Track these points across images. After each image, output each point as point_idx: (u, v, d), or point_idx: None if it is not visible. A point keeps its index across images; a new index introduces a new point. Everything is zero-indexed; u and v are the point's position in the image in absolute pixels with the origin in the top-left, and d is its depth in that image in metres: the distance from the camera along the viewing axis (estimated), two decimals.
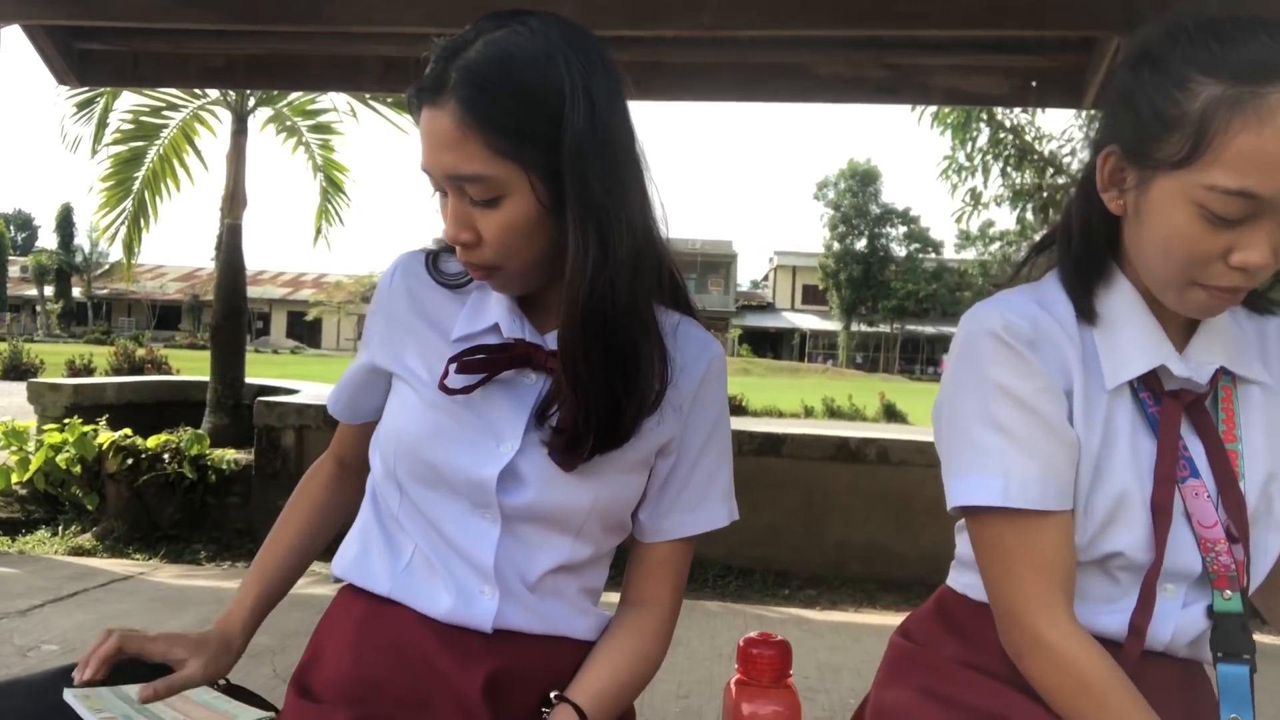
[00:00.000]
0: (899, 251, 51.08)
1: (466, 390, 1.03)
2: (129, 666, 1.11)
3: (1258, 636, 0.98)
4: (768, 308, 58.59)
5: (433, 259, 1.12)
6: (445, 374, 1.03)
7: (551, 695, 1.04)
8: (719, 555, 4.81)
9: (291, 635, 3.21)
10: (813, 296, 56.09)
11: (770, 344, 53.66)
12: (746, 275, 68.62)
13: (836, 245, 51.01)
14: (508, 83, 0.93)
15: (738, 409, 20.72)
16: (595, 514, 1.06)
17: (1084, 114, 9.85)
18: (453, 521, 1.05)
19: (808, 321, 55.71)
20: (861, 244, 50.99)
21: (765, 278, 65.16)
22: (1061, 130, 10.24)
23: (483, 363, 1.04)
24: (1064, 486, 0.95)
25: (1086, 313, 1.00)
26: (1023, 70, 4.45)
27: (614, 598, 1.15)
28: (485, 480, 1.02)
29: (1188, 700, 1.00)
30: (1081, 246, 1.01)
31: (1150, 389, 0.98)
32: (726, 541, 4.80)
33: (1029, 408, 0.95)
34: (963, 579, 1.09)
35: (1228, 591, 0.96)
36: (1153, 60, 0.92)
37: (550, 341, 1.05)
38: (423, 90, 0.97)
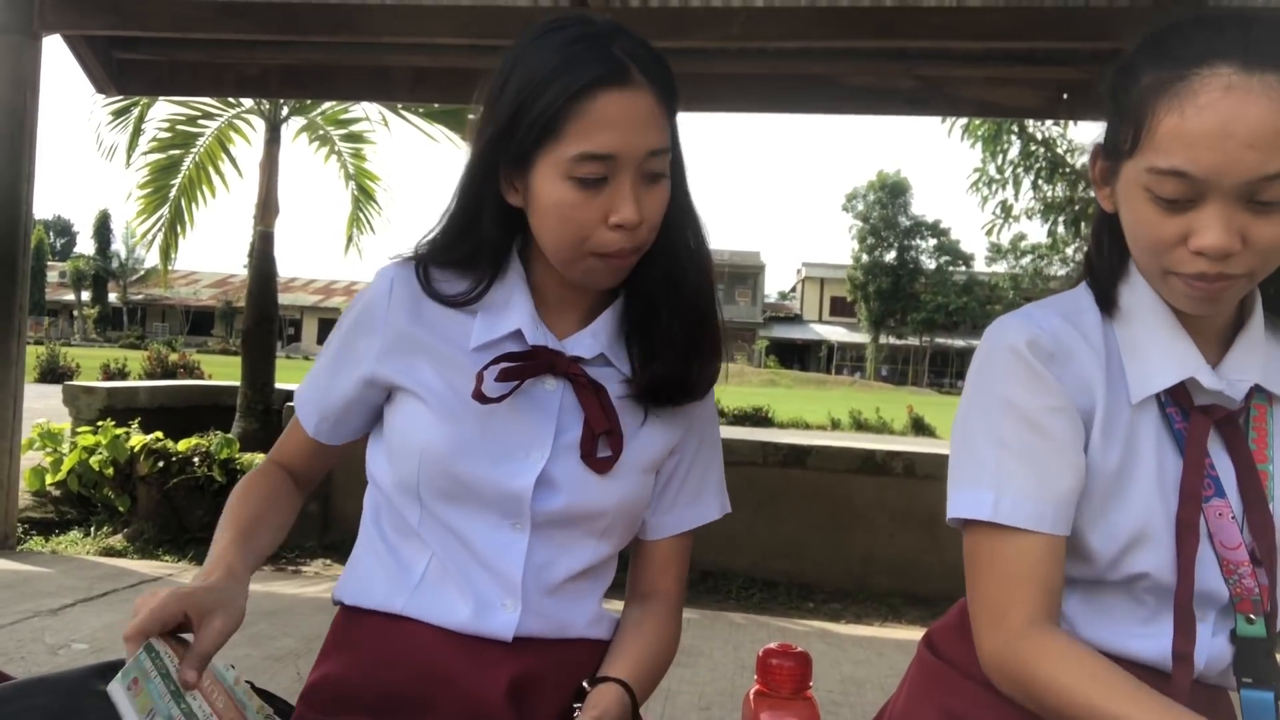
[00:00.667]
0: (929, 264, 50.73)
1: (500, 399, 1.02)
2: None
3: None
4: (795, 319, 58.37)
5: (424, 272, 1.06)
6: (480, 382, 1.01)
7: (584, 684, 1.05)
8: (743, 567, 4.79)
9: (315, 638, 3.23)
10: (841, 308, 55.83)
11: (797, 356, 53.45)
12: (774, 286, 68.54)
13: (865, 257, 50.74)
14: (668, 70, 1.01)
15: (763, 420, 20.64)
16: (620, 514, 1.09)
17: None
18: (479, 534, 1.04)
19: (835, 334, 55.42)
20: (890, 256, 50.69)
21: (793, 289, 64.98)
22: (1090, 143, 10.10)
23: (515, 370, 1.04)
24: (1061, 509, 0.94)
25: (1114, 316, 0.99)
26: (1053, 82, 4.43)
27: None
28: (520, 491, 1.03)
29: None
30: (1099, 251, 1.01)
31: (1178, 403, 0.97)
32: (750, 553, 4.78)
33: (1036, 426, 0.95)
34: None
35: (1252, 615, 0.94)
36: (1128, 62, 0.94)
37: (569, 346, 1.07)
38: (610, 75, 0.95)
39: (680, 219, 1.06)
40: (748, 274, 55.97)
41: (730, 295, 56.14)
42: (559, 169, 0.96)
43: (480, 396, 1.01)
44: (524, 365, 1.04)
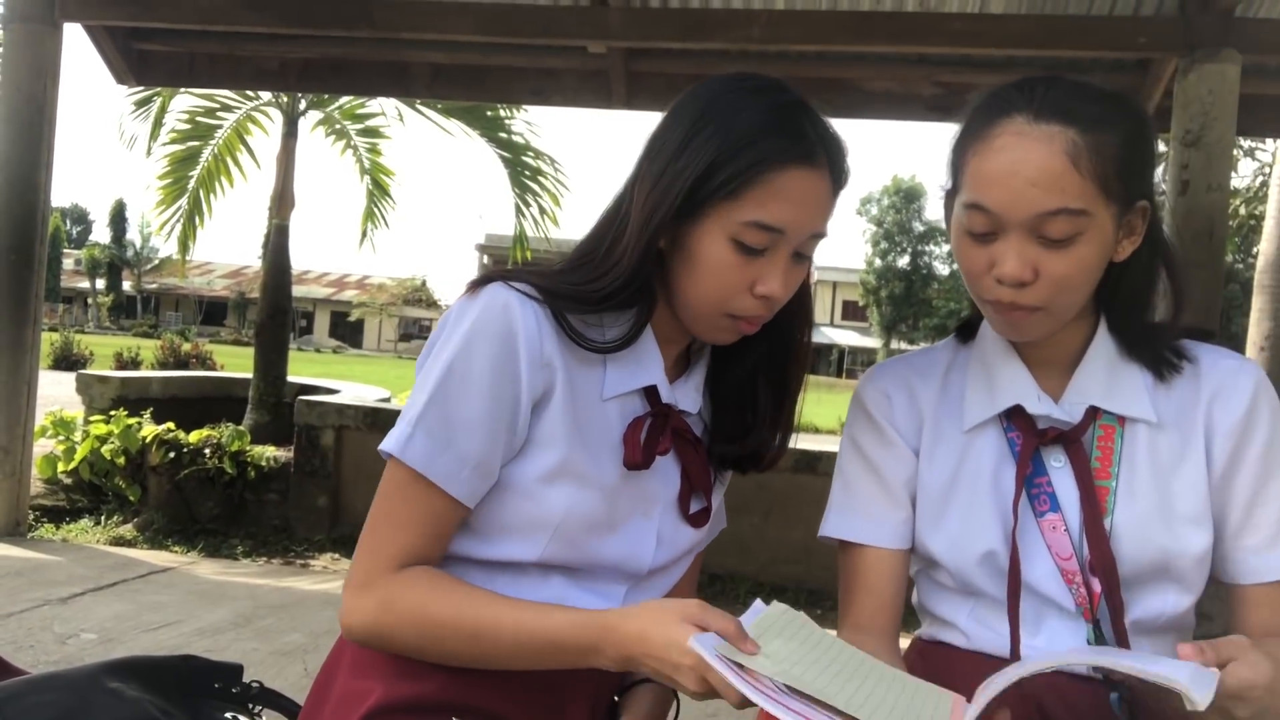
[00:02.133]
0: (942, 270, 50.53)
1: (648, 464, 1.01)
2: (158, 667, 1.12)
3: None
4: None
5: (559, 315, 0.97)
6: (636, 448, 0.99)
7: (621, 691, 1.10)
8: (751, 571, 4.77)
9: (323, 634, 3.24)
10: (853, 313, 55.70)
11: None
12: None
13: (878, 262, 50.59)
14: (845, 157, 1.04)
15: None
16: (693, 554, 1.14)
17: None
18: (578, 596, 1.03)
19: (847, 338, 55.31)
20: (904, 261, 50.52)
21: None
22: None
23: (653, 431, 1.02)
24: (879, 525, 1.12)
25: (972, 346, 1.15)
26: None
27: None
28: (639, 568, 1.05)
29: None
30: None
31: (1018, 427, 1.07)
32: (760, 558, 4.76)
33: (866, 458, 1.14)
34: (928, 629, 1.17)
35: (1090, 624, 1.03)
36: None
37: (681, 400, 1.07)
38: (803, 154, 0.96)
39: (801, 300, 1.08)
40: None
41: None
42: (727, 229, 0.95)
43: (635, 463, 1.00)
44: (658, 422, 1.03)
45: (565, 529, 0.98)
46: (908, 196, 51.24)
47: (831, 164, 0.98)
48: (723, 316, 0.99)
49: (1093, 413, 1.06)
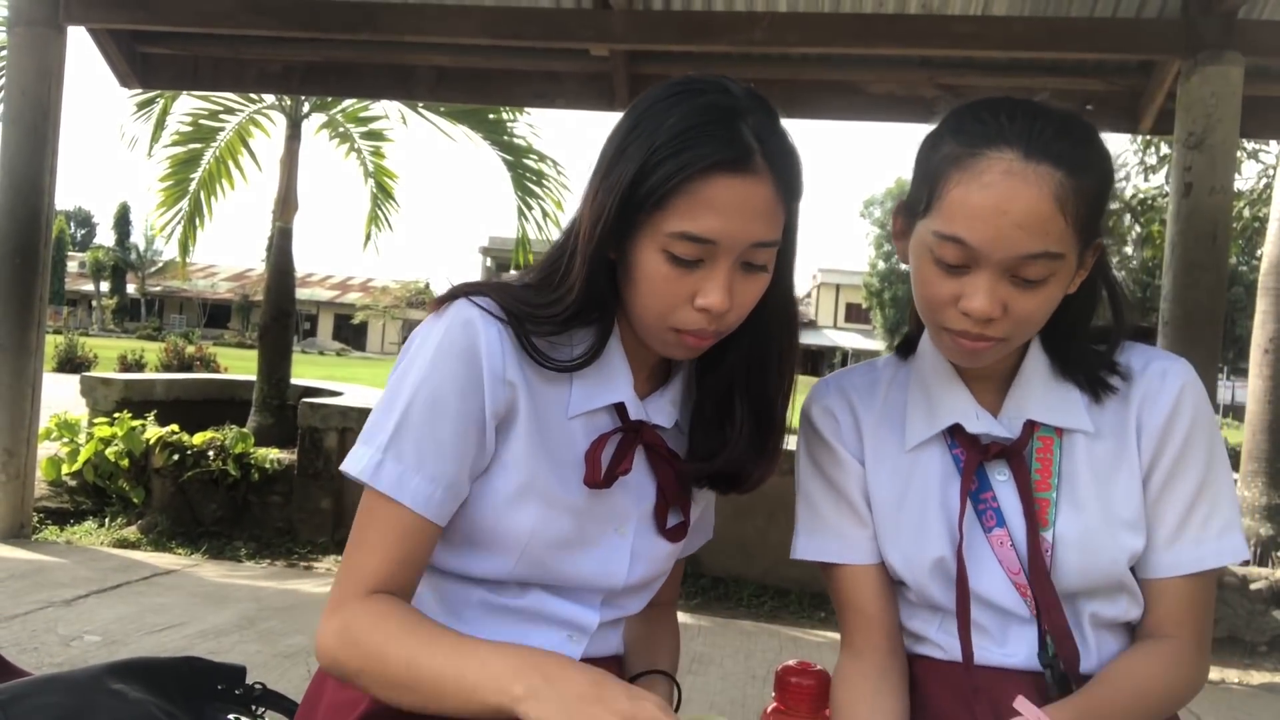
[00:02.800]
0: None
1: (612, 482, 0.99)
2: (161, 669, 1.12)
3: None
4: (810, 325, 58.25)
5: (521, 334, 0.96)
6: (597, 466, 0.97)
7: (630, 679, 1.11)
8: (755, 575, 4.77)
9: None
10: (856, 315, 55.67)
11: (811, 362, 53.31)
12: None
13: (882, 264, 50.53)
14: (795, 160, 0.99)
15: None
16: (673, 564, 1.14)
17: (1139, 139, 9.68)
18: (556, 608, 1.03)
19: (850, 340, 55.24)
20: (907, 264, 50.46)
21: (808, 295, 64.83)
22: (1118, 155, 10.03)
23: (621, 448, 1.00)
24: (848, 543, 1.11)
25: (912, 364, 1.14)
26: (1078, 93, 4.39)
27: None
28: (614, 585, 1.05)
29: None
30: (914, 309, 1.10)
31: (961, 443, 1.08)
32: (762, 561, 4.76)
33: (823, 476, 1.13)
34: (907, 644, 1.15)
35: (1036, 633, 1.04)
36: (933, 130, 1.02)
37: (654, 415, 1.04)
38: (731, 160, 0.91)
39: (774, 311, 1.02)
40: None
41: None
42: (657, 241, 0.91)
43: (596, 482, 0.97)
44: (627, 440, 1.01)
45: (532, 548, 0.98)
46: None
47: (774, 170, 0.92)
48: (668, 331, 0.96)
49: (1030, 426, 1.06)
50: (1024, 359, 1.08)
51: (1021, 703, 0.93)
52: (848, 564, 1.11)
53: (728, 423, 1.05)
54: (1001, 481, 1.06)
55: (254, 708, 1.21)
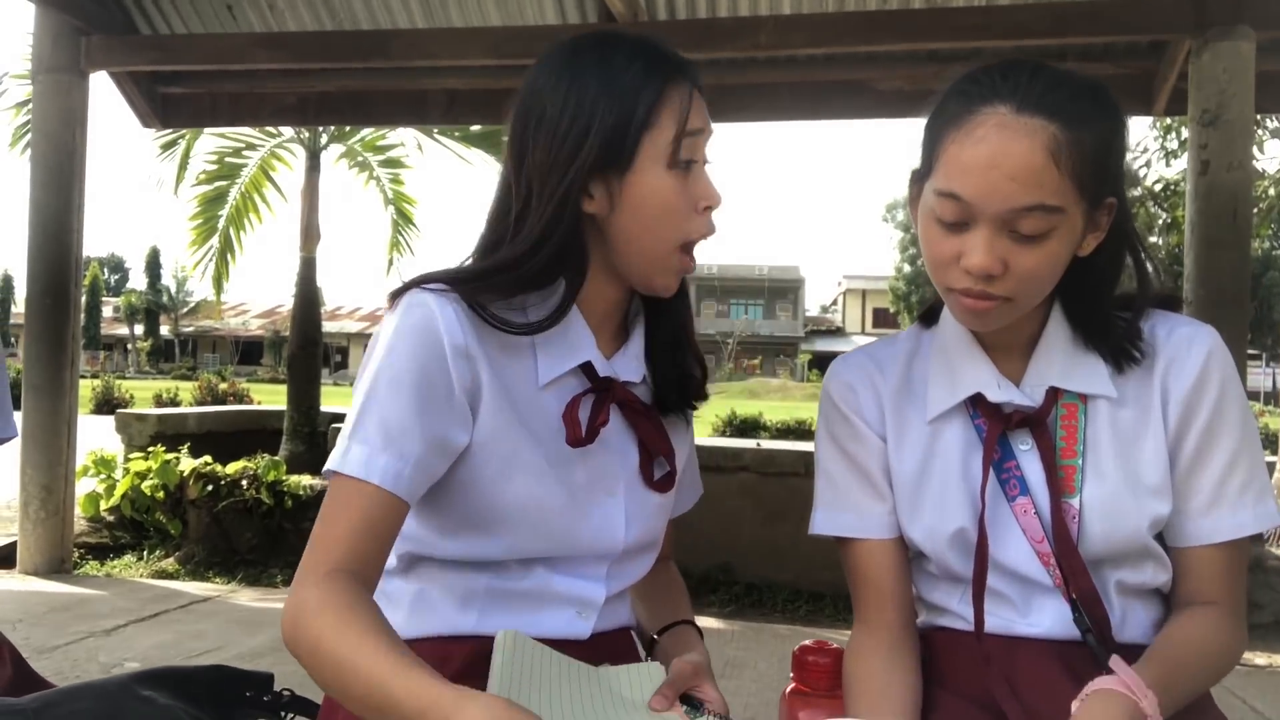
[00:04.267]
0: None
1: (593, 439, 1.01)
2: (189, 676, 1.14)
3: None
4: (837, 332, 57.92)
5: (476, 305, 0.97)
6: (575, 425, 0.99)
7: (654, 635, 1.14)
8: (788, 579, 4.74)
9: None
10: (884, 320, 55.29)
11: None
12: (815, 300, 68.12)
13: (907, 268, 50.18)
14: None
15: (807, 434, 20.46)
16: (667, 520, 1.16)
17: (1159, 125, 9.57)
18: (561, 578, 1.04)
19: None
20: None
21: (834, 302, 64.55)
22: (1137, 142, 9.92)
23: (598, 405, 1.03)
24: (866, 518, 1.12)
25: (934, 334, 1.15)
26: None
27: None
28: (614, 548, 1.06)
29: None
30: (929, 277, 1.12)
31: (983, 413, 1.08)
32: (795, 565, 4.73)
33: (843, 451, 1.14)
34: (926, 616, 1.17)
35: (1066, 603, 1.04)
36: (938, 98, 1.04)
37: (615, 370, 1.07)
38: (691, 69, 1.02)
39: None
40: (787, 288, 55.74)
41: (771, 310, 55.92)
42: (660, 158, 0.98)
43: (579, 439, 0.99)
44: (603, 398, 1.04)
45: (528, 521, 0.99)
46: None
47: (692, 76, 1.02)
48: (676, 253, 1.01)
49: (1054, 394, 1.06)
50: (1045, 326, 1.08)
51: (1116, 662, 0.93)
52: (864, 538, 1.12)
53: (681, 355, 1.11)
54: (1024, 450, 1.06)
55: (282, 714, 1.23)
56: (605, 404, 1.03)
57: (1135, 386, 1.06)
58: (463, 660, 0.99)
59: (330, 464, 0.93)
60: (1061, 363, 1.07)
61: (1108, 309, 1.07)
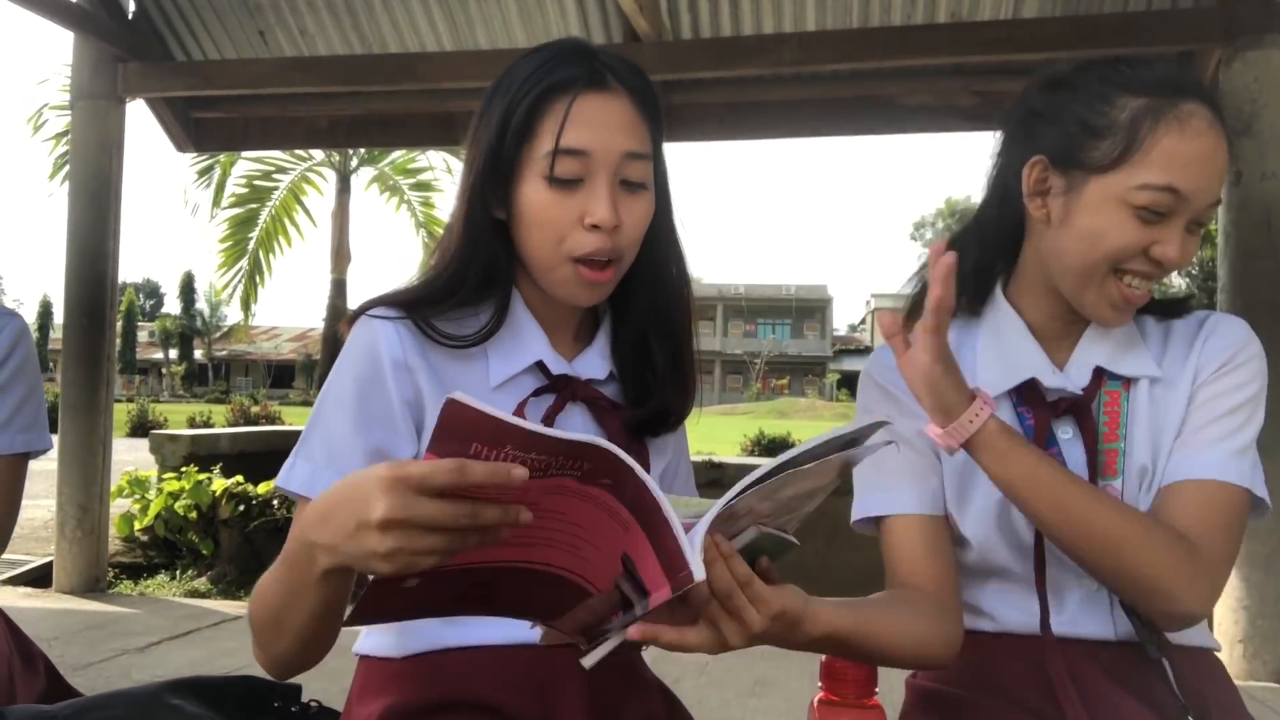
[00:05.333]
0: None
1: None
2: (218, 686, 1.15)
3: None
4: (866, 351, 57.58)
5: (421, 322, 0.99)
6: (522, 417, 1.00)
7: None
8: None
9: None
10: None
11: None
12: (843, 319, 67.87)
13: None
14: (649, 84, 1.04)
15: None
16: None
17: None
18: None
19: None
20: None
21: (862, 321, 64.25)
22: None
23: (554, 403, 1.03)
24: (910, 493, 1.10)
25: (976, 328, 1.15)
26: None
27: None
28: None
29: (1147, 689, 1.02)
30: (979, 267, 1.14)
31: (1029, 402, 1.09)
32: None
33: (890, 431, 1.10)
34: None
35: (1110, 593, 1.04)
36: (1067, 84, 1.06)
37: (578, 369, 1.07)
38: (586, 78, 0.97)
39: (665, 248, 1.08)
40: (815, 307, 55.58)
41: (798, 329, 55.74)
42: (536, 170, 0.97)
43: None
44: (559, 396, 1.04)
45: None
46: (963, 217, 50.44)
47: (627, 86, 0.99)
48: (566, 264, 0.98)
49: (1099, 378, 1.08)
50: None
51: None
52: (903, 514, 1.09)
53: (648, 367, 1.08)
54: (1066, 439, 1.07)
55: None
56: (562, 401, 1.03)
57: (1174, 367, 1.08)
58: (459, 673, 1.00)
59: (278, 481, 0.98)
60: (1111, 347, 1.09)
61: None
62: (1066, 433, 1.08)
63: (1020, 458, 0.96)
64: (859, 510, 1.13)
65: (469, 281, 1.01)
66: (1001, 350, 1.11)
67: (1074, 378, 1.09)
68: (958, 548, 1.13)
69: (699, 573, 0.69)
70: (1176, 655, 0.99)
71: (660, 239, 1.06)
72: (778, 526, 0.85)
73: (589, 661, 0.80)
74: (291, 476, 0.97)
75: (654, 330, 1.08)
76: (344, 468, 0.93)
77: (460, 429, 0.65)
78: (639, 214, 1.00)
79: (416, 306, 1.00)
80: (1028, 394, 1.09)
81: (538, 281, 1.03)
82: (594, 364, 1.08)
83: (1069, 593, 1.06)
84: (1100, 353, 1.09)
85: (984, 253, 1.14)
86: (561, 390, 1.04)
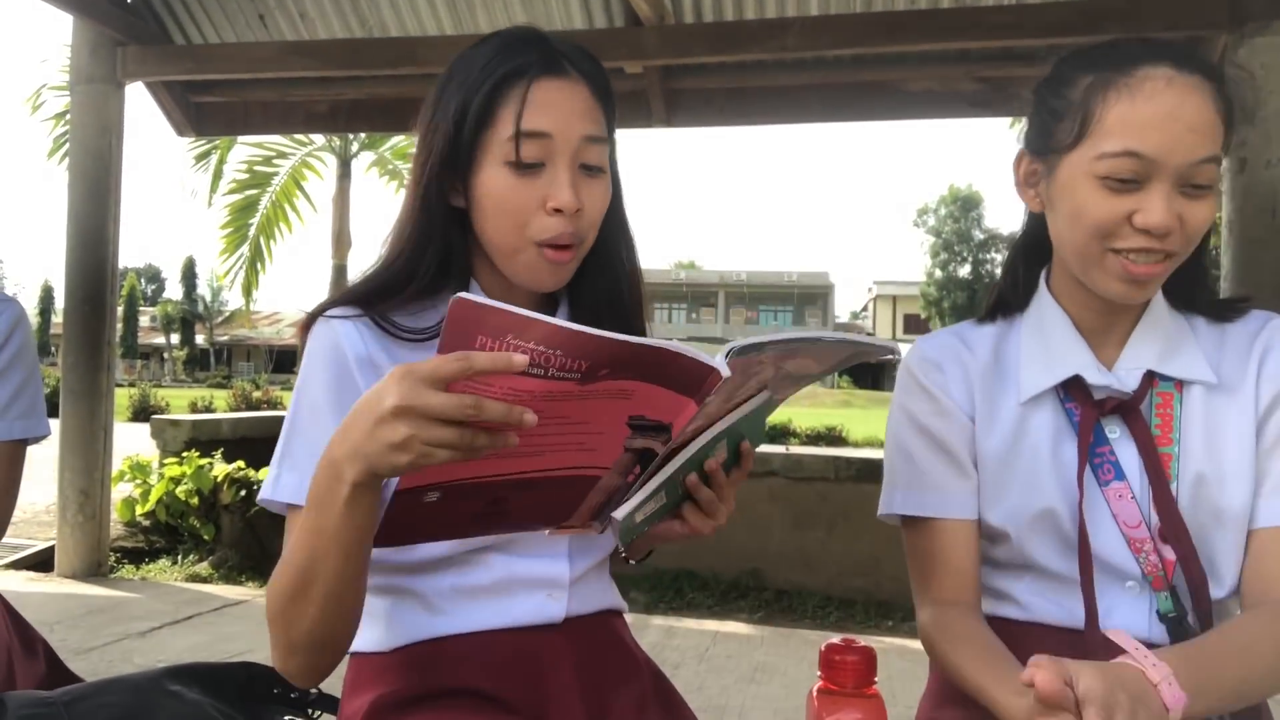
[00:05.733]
0: None
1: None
2: (218, 672, 1.15)
3: None
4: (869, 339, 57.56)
5: (379, 318, 1.00)
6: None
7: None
8: (818, 586, 4.71)
9: None
10: (915, 326, 54.94)
11: (871, 375, 52.72)
12: (845, 306, 67.80)
13: (939, 273, 49.89)
14: (603, 72, 1.04)
15: (837, 440, 20.33)
16: None
17: None
18: (522, 561, 1.04)
19: None
20: (965, 271, 49.75)
21: (864, 308, 64.23)
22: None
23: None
24: (949, 496, 1.10)
25: (1020, 324, 1.14)
26: None
27: None
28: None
29: None
30: (1015, 265, 1.15)
31: (1076, 399, 1.07)
32: (826, 571, 4.69)
33: (924, 428, 1.12)
34: (984, 604, 1.15)
35: (1164, 593, 1.03)
36: (1050, 73, 1.07)
37: None
38: (543, 63, 0.97)
39: (617, 235, 1.09)
40: (817, 294, 55.54)
41: (800, 316, 55.72)
42: (497, 156, 0.96)
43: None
44: None
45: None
46: (965, 205, 50.51)
47: (582, 71, 0.99)
48: (531, 248, 0.98)
49: (1149, 380, 1.06)
50: (1145, 310, 1.08)
51: (1119, 635, 0.91)
52: (944, 518, 1.10)
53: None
54: (1115, 437, 1.06)
55: (310, 711, 1.23)
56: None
57: (1231, 371, 1.06)
58: (448, 661, 1.01)
59: (264, 493, 0.98)
60: (1161, 347, 1.07)
61: (1206, 276, 1.10)
62: (1115, 431, 1.06)
63: (1210, 688, 0.89)
64: (907, 506, 1.13)
65: (423, 272, 1.01)
66: (1045, 345, 1.10)
67: (1123, 378, 1.07)
68: (985, 540, 1.13)
69: (724, 369, 0.76)
70: None
71: (611, 222, 1.06)
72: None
73: (621, 513, 0.87)
74: (279, 488, 0.96)
75: (607, 312, 1.08)
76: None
77: (466, 326, 0.69)
78: (598, 197, 1.01)
79: (371, 302, 1.00)
80: (1074, 389, 1.08)
81: (500, 268, 1.03)
82: None
83: (1108, 593, 1.05)
84: (1150, 353, 1.07)
85: (1029, 251, 1.15)
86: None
